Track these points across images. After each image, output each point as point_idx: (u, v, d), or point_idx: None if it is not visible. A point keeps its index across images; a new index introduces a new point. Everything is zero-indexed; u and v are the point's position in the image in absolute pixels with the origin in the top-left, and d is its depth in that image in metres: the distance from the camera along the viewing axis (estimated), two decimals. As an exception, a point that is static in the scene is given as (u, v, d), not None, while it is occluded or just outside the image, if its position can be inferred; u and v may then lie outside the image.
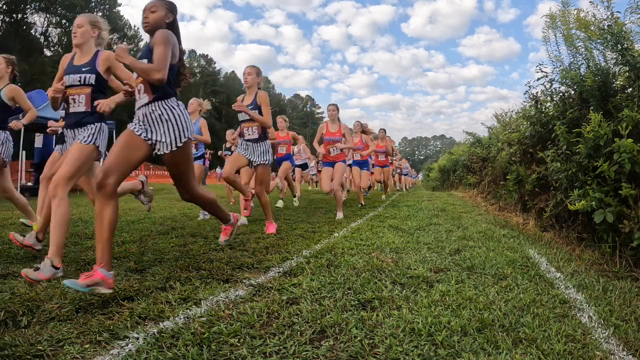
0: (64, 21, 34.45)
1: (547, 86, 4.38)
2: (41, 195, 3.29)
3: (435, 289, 2.01)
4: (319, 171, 11.61)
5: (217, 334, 1.46)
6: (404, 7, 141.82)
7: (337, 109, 5.33)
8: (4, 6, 29.75)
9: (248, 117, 3.74)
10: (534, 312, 1.72)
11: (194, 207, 6.34)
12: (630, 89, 3.31)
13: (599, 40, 3.47)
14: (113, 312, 1.65)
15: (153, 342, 1.39)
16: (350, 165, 7.63)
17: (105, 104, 2.35)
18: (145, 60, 2.14)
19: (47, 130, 4.04)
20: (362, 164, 6.93)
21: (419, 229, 4.04)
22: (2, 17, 29.87)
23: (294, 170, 8.19)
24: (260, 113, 3.74)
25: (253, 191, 4.26)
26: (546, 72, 4.25)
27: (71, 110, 2.50)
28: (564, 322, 1.63)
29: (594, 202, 2.85)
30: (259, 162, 3.81)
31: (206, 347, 1.35)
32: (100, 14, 37.10)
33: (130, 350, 1.33)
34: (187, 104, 5.32)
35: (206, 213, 4.71)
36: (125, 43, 2.19)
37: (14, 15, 30.42)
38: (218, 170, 24.97)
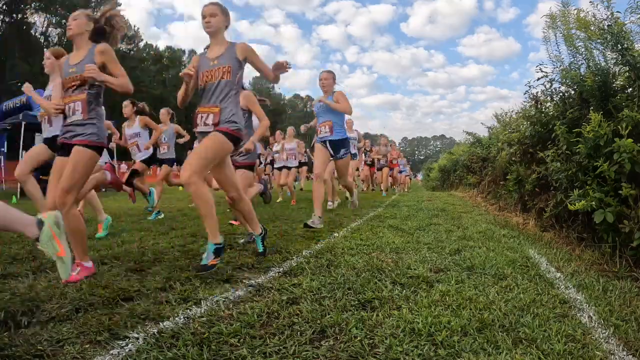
0: (63, 21, 34.41)
1: (547, 86, 4.38)
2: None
3: (435, 289, 2.00)
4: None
5: (217, 334, 1.46)
6: (403, 6, 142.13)
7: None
8: (4, 6, 29.73)
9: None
10: (534, 312, 1.72)
11: (194, 208, 6.34)
12: (630, 89, 3.30)
13: (599, 40, 3.47)
14: (113, 312, 1.65)
15: (153, 342, 1.39)
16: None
17: None
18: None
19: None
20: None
21: (419, 229, 4.04)
22: (2, 17, 29.86)
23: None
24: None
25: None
26: (546, 72, 4.25)
27: None
28: (564, 322, 1.63)
29: (594, 202, 2.84)
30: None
31: (206, 347, 1.35)
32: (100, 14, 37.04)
33: (130, 350, 1.33)
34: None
35: None
36: None
37: (14, 15, 30.40)
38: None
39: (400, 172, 15.25)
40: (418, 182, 29.02)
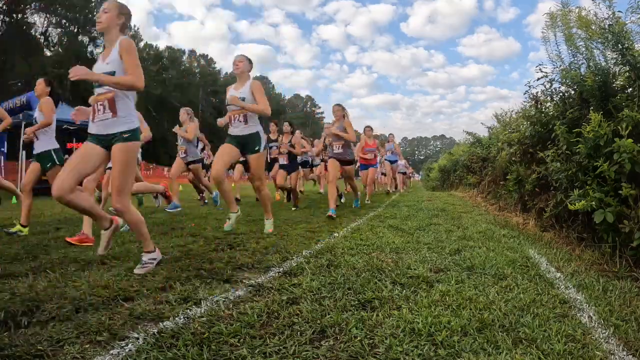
0: (64, 21, 34.44)
1: (547, 86, 4.38)
2: None
3: (435, 289, 2.01)
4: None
5: (217, 334, 1.46)
6: (403, 6, 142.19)
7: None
8: (4, 6, 29.74)
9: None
10: (534, 312, 1.72)
11: (194, 207, 6.34)
12: (631, 89, 3.31)
13: (599, 40, 3.47)
14: (113, 312, 1.65)
15: (153, 342, 1.39)
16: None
17: None
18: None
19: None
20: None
21: (419, 229, 4.04)
22: (2, 17, 29.87)
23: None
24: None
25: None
26: (546, 72, 4.25)
27: None
28: (564, 322, 1.63)
29: (594, 202, 2.85)
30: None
31: (206, 347, 1.35)
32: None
33: (130, 350, 1.33)
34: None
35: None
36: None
37: (14, 15, 30.41)
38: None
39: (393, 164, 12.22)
40: (417, 182, 29.02)
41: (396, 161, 10.87)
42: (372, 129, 7.68)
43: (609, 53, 3.50)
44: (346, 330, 1.51)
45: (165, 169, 21.93)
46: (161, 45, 55.41)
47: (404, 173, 14.77)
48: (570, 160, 3.48)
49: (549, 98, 4.47)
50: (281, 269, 2.37)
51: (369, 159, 7.47)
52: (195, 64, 52.65)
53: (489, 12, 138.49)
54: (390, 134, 11.18)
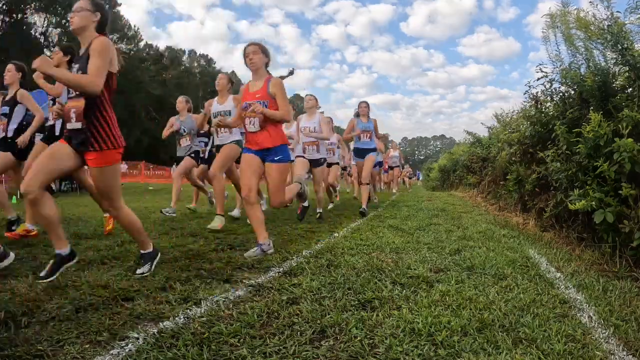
0: (64, 21, 34.43)
1: (547, 86, 4.39)
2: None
3: (435, 289, 2.00)
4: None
5: (217, 334, 1.46)
6: (403, 6, 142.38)
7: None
8: (4, 6, 29.74)
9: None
10: (534, 312, 1.72)
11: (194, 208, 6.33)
12: (630, 89, 3.31)
13: (599, 40, 3.47)
14: (113, 312, 1.65)
15: (153, 342, 1.39)
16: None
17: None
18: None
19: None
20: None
21: (419, 229, 4.04)
22: (2, 17, 29.87)
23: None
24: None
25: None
26: (546, 72, 4.26)
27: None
28: (564, 322, 1.63)
29: (594, 202, 2.85)
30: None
31: (206, 347, 1.35)
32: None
33: (130, 350, 1.33)
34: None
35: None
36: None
37: (14, 15, 30.42)
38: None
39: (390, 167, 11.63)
40: (417, 182, 29.01)
41: (372, 150, 5.59)
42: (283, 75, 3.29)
43: (608, 53, 3.50)
44: (346, 330, 1.51)
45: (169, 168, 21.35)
46: (161, 45, 55.47)
47: (398, 167, 12.11)
48: (570, 160, 3.48)
49: (549, 98, 4.47)
50: (281, 269, 2.37)
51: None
52: (195, 64, 52.66)
53: (488, 12, 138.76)
54: (363, 101, 5.69)
